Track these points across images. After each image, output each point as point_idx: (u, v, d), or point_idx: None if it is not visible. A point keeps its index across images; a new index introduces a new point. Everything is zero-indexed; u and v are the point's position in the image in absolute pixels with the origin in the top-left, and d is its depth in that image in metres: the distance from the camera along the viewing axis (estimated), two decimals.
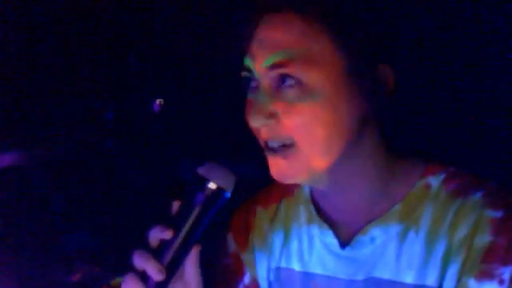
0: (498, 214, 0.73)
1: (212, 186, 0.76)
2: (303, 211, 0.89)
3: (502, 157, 1.14)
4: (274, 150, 0.76)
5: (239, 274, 0.93)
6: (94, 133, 1.85)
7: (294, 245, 0.88)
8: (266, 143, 0.76)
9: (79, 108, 1.81)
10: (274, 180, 0.92)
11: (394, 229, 0.79)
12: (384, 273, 0.79)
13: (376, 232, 0.80)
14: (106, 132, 1.88)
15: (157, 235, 0.76)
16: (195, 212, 0.76)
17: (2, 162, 1.60)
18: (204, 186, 0.76)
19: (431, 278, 0.76)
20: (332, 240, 0.83)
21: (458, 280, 0.74)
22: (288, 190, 0.92)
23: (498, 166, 1.12)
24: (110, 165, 1.87)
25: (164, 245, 0.76)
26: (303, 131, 0.73)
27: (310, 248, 0.86)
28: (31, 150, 1.69)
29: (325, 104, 0.72)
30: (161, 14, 1.92)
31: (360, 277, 0.80)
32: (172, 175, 1.84)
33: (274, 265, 0.90)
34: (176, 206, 0.78)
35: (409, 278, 0.77)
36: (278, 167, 0.76)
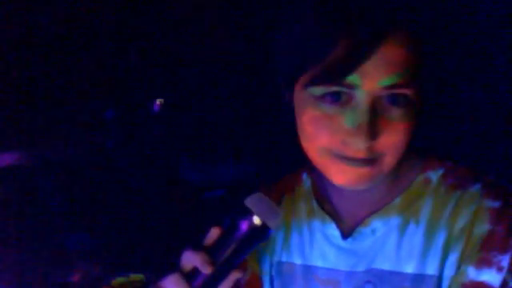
0: (497, 203, 0.76)
1: (258, 221, 0.73)
2: (304, 206, 0.90)
3: (499, 153, 1.15)
4: (355, 160, 0.73)
5: (241, 269, 0.95)
6: (94, 133, 1.86)
7: (295, 239, 0.90)
8: (344, 156, 0.73)
9: (79, 108, 1.81)
10: (272, 178, 0.93)
11: (395, 221, 0.81)
12: (384, 264, 0.81)
13: (377, 224, 0.82)
14: (106, 132, 1.88)
15: (192, 262, 0.74)
16: (235, 245, 0.73)
17: (2, 162, 1.61)
18: (249, 220, 0.73)
19: (431, 267, 0.78)
20: (334, 232, 0.85)
21: (458, 268, 0.76)
22: (288, 187, 0.94)
23: (496, 163, 1.13)
24: (110, 165, 1.87)
25: (198, 272, 0.73)
26: (397, 147, 0.73)
27: (310, 241, 0.88)
28: (31, 150, 1.69)
29: (415, 120, 0.73)
30: (161, 14, 1.92)
31: (360, 268, 0.82)
32: (172, 175, 1.84)
33: (275, 259, 0.92)
34: (214, 233, 0.76)
35: (409, 268, 0.79)
36: (358, 175, 0.74)
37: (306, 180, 0.92)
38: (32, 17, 1.69)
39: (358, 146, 0.71)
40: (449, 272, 0.77)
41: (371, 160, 0.73)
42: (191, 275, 0.73)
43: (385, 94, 0.70)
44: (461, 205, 0.77)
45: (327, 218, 0.86)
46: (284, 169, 0.86)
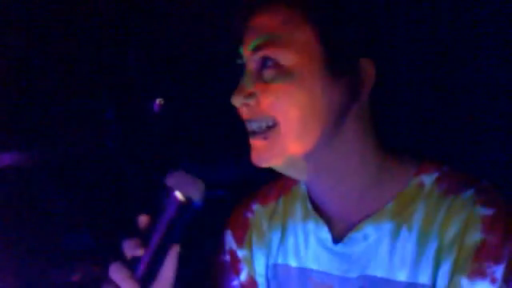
0: (489, 211, 0.73)
1: (180, 196, 0.75)
2: (299, 207, 0.90)
3: (496, 154, 1.14)
4: (254, 132, 0.79)
5: (235, 270, 0.94)
6: (94, 133, 1.85)
7: (291, 241, 0.89)
8: (249, 124, 0.79)
9: (79, 108, 1.81)
10: (272, 179, 0.92)
11: (387, 226, 0.80)
12: (377, 271, 0.79)
13: (369, 229, 0.80)
14: (106, 132, 1.88)
15: (129, 250, 0.77)
16: (165, 224, 0.76)
17: (2, 161, 1.61)
18: (172, 197, 0.75)
19: (424, 276, 0.76)
20: (326, 235, 0.84)
21: (451, 278, 0.74)
22: (286, 187, 0.93)
23: (493, 164, 1.12)
24: (110, 165, 1.86)
25: (137, 258, 0.76)
26: (280, 110, 0.76)
27: (305, 244, 0.87)
28: (31, 150, 1.69)
29: (300, 86, 0.75)
30: (161, 14, 1.92)
31: (354, 274, 0.81)
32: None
33: (271, 261, 0.91)
34: (144, 220, 0.78)
35: (402, 276, 0.78)
36: (257, 149, 0.79)
37: (303, 182, 0.91)
38: (32, 17, 1.69)
39: (235, 104, 0.79)
40: (442, 282, 0.74)
41: (263, 130, 0.77)
42: (132, 262, 0.76)
43: (257, 59, 0.78)
44: (452, 211, 0.75)
45: (320, 220, 0.85)
46: None
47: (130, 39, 1.92)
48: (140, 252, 0.75)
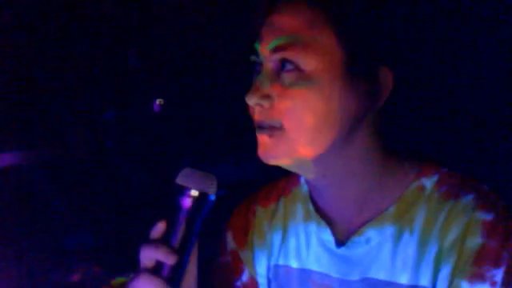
0: (489, 216, 0.73)
1: (194, 193, 0.75)
2: (300, 209, 0.89)
3: (498, 158, 1.14)
4: (260, 128, 0.77)
5: (237, 271, 0.94)
6: (94, 133, 1.86)
7: (292, 242, 0.89)
8: (258, 124, 0.78)
9: (79, 108, 1.81)
10: (273, 180, 0.92)
11: (389, 230, 0.80)
12: (379, 273, 0.79)
13: (371, 233, 0.80)
14: (105, 132, 1.88)
15: (154, 257, 0.75)
16: (185, 224, 0.75)
17: (2, 161, 1.61)
18: (187, 195, 0.75)
19: (425, 279, 0.76)
20: (329, 237, 0.84)
21: (451, 282, 0.74)
22: (286, 189, 0.93)
23: (494, 167, 1.12)
24: (110, 165, 1.87)
25: (162, 263, 0.74)
26: (293, 116, 0.74)
27: (307, 245, 0.87)
28: (31, 150, 1.69)
29: (319, 93, 0.74)
30: (161, 14, 1.92)
31: (355, 277, 0.81)
32: (172, 175, 1.84)
33: (272, 262, 0.91)
34: (161, 227, 0.77)
35: (403, 279, 0.78)
36: (264, 145, 0.77)
37: (304, 184, 0.91)
38: (32, 17, 1.69)
39: (249, 103, 0.76)
40: (442, 285, 0.75)
41: (270, 128, 0.75)
42: (157, 269, 0.74)
43: (275, 59, 0.75)
44: (452, 216, 0.76)
45: (323, 222, 0.85)
46: (283, 170, 0.86)
47: (131, 39, 1.92)
48: (174, 259, 0.74)
